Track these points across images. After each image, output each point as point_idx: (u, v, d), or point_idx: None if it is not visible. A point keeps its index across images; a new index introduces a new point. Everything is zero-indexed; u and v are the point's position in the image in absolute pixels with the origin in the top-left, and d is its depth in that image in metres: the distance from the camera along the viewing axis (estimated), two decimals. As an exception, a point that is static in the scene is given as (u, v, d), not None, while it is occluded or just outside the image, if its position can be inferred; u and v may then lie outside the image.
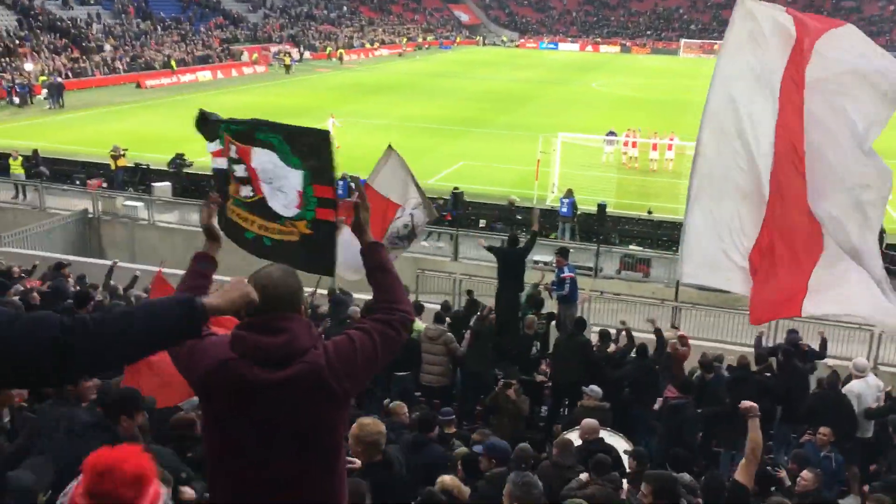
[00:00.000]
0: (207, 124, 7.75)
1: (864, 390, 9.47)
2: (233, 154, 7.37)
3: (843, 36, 7.06)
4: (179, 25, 62.06)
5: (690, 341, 10.91)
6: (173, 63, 52.49)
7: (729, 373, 10.00)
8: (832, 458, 8.09)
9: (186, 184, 24.65)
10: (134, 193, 23.50)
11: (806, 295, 7.09)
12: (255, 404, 2.66)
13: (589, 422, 7.59)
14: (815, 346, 11.32)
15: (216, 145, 7.75)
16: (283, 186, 7.08)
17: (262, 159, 7.14)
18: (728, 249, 7.63)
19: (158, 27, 59.81)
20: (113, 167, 24.52)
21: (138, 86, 47.95)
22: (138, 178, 24.85)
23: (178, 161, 24.64)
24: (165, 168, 24.87)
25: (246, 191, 7.28)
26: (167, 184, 23.78)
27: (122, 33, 55.73)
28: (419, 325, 10.92)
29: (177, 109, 40.98)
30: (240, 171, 7.31)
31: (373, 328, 2.89)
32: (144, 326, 2.28)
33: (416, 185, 10.14)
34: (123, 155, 24.69)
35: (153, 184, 23.48)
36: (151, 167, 25.27)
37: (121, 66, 50.26)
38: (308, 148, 7.16)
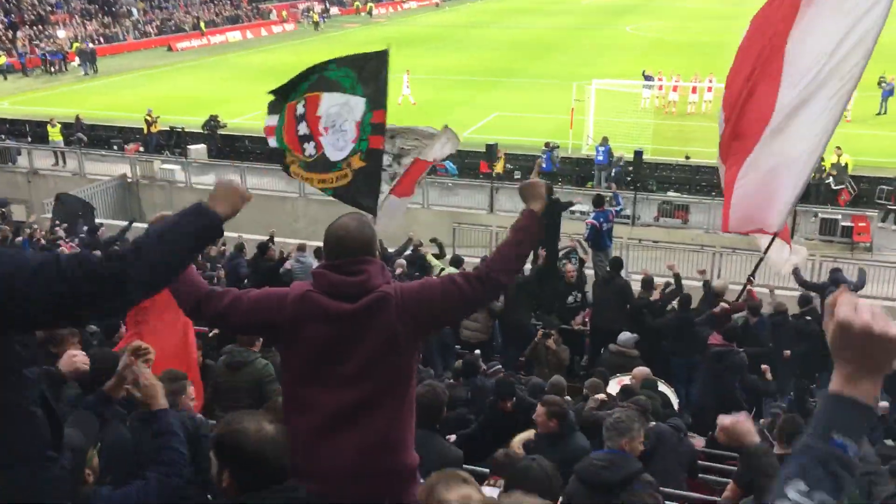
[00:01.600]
0: (275, 101, 8.38)
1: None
2: (299, 111, 7.96)
3: None
4: (207, -14, 61.81)
5: (732, 286, 10.83)
6: (202, 25, 52.48)
7: (768, 320, 9.89)
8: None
9: (221, 145, 24.80)
10: (171, 157, 23.74)
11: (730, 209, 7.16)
12: (331, 330, 2.93)
13: (641, 370, 7.66)
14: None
15: (273, 120, 8.42)
16: (345, 123, 7.83)
17: (329, 103, 7.94)
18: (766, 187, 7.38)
19: (186, -11, 59.65)
20: (146, 132, 24.75)
21: (169, 49, 48.10)
22: (174, 142, 25.08)
23: (213, 123, 24.76)
24: (200, 130, 25.02)
25: (309, 149, 7.96)
26: (202, 146, 23.97)
27: (150, -3, 55.76)
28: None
29: (208, 71, 41.12)
30: (302, 129, 7.98)
31: (455, 279, 3.03)
32: (178, 241, 2.36)
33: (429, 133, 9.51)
34: (156, 121, 24.89)
35: (189, 146, 23.67)
36: (186, 130, 25.45)
37: (151, 30, 50.44)
38: (370, 73, 7.80)
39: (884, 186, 19.55)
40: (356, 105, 7.77)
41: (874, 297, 11.50)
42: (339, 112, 7.83)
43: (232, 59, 45.24)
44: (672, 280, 10.90)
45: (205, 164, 22.97)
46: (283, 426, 2.63)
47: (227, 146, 24.87)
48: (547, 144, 21.44)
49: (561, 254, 12.38)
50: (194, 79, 38.73)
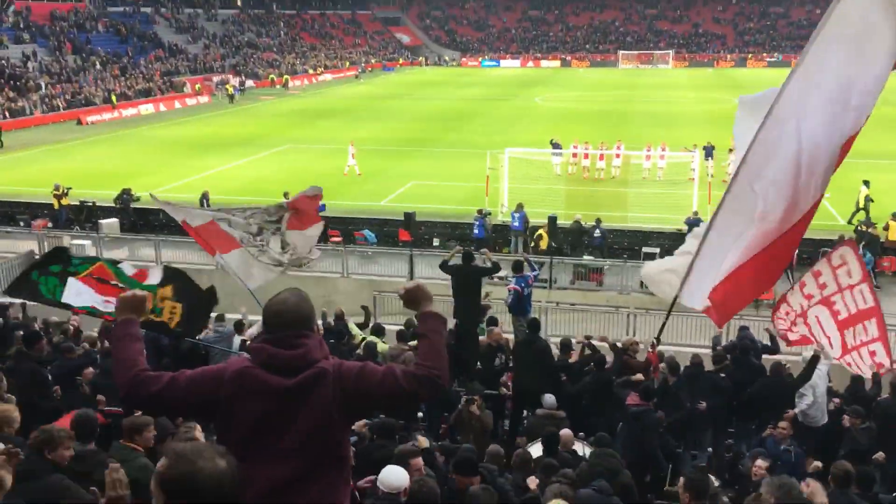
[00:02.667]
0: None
1: (818, 381, 9.78)
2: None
3: None
4: (118, 60, 61.31)
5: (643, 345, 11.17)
6: (114, 98, 51.79)
7: (683, 372, 10.24)
8: (792, 451, 8.32)
9: (135, 219, 24.32)
10: (81, 232, 23.11)
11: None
12: (268, 406, 2.96)
13: (566, 432, 7.80)
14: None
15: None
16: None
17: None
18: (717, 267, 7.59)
19: (97, 63, 58.98)
20: (56, 206, 24.09)
21: (79, 122, 47.22)
22: (84, 216, 24.46)
23: (126, 196, 24.30)
24: (112, 204, 24.50)
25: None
26: (114, 220, 23.45)
27: (59, 70, 54.80)
28: (382, 346, 10.95)
29: (120, 144, 40.48)
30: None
31: (395, 371, 3.08)
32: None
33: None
34: (66, 193, 24.29)
35: (100, 221, 23.12)
36: (97, 204, 24.88)
37: (60, 104, 49.42)
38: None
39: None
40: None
41: (784, 354, 12.02)
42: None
43: (145, 132, 44.70)
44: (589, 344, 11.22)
45: (117, 238, 22.44)
46: (233, 459, 2.54)
47: (140, 220, 24.39)
48: (479, 212, 21.77)
49: (485, 318, 12.54)
50: (105, 152, 38.03)
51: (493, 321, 12.49)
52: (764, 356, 11.49)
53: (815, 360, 9.35)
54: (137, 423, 6.06)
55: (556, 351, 11.30)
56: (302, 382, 2.97)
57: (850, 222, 22.12)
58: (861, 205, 22.84)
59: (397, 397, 3.07)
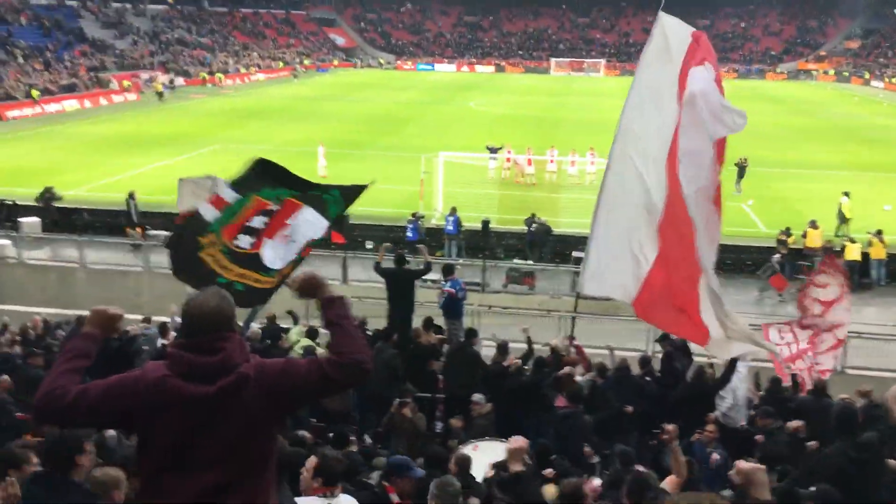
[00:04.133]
0: (244, 180, 7.87)
1: (737, 383, 10.10)
2: (272, 207, 7.68)
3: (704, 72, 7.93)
4: (42, 54, 59.24)
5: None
6: (34, 93, 49.97)
7: (611, 376, 10.44)
8: (719, 453, 8.54)
9: (58, 218, 23.54)
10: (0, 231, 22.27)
11: (708, 335, 8.02)
12: (189, 416, 2.86)
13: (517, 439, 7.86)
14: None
15: (230, 196, 7.79)
16: (303, 237, 7.75)
17: (304, 216, 7.76)
18: (628, 260, 8.35)
19: (19, 56, 56.88)
20: (-26, 205, 23.17)
21: (-1, 118, 45.50)
22: (4, 215, 23.56)
23: (48, 195, 23.51)
24: (34, 203, 23.66)
25: (244, 241, 7.61)
26: (36, 219, 22.65)
27: (-23, 63, 52.73)
28: (320, 350, 10.86)
29: (42, 141, 39.13)
30: (258, 222, 7.65)
31: (320, 362, 3.03)
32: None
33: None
34: (-15, 191, 23.39)
35: (21, 220, 22.30)
36: (18, 203, 23.99)
37: (-23, 98, 47.52)
38: (351, 199, 8.25)
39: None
40: (321, 226, 7.81)
41: (703, 356, 12.38)
42: (305, 227, 7.81)
43: (69, 129, 43.29)
44: (525, 345, 11.32)
45: (39, 238, 21.69)
46: None
47: (63, 219, 23.62)
48: (413, 215, 21.83)
49: (423, 321, 12.53)
50: (27, 149, 36.69)
51: (429, 323, 12.50)
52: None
53: (733, 362, 9.65)
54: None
55: (493, 353, 11.40)
56: (223, 389, 2.87)
57: (836, 235, 22.63)
58: (847, 216, 23.32)
59: (325, 387, 3.04)
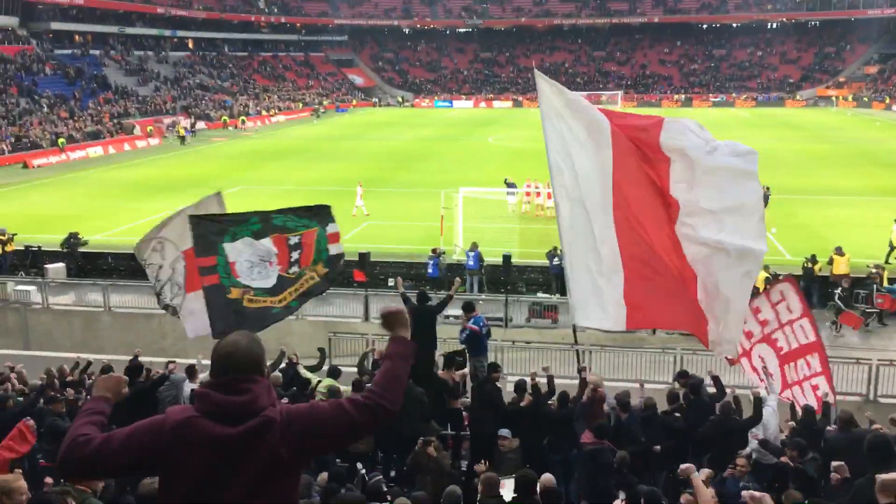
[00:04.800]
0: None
1: (770, 417, 9.89)
2: (295, 240, 9.67)
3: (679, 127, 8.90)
4: (66, 102, 60.50)
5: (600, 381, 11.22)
6: (61, 141, 50.94)
7: (639, 415, 10.25)
8: (751, 487, 8.34)
9: (82, 263, 23.81)
10: (25, 277, 22.52)
11: (708, 332, 8.73)
12: (213, 456, 2.85)
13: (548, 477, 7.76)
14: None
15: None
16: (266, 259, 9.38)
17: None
18: (599, 288, 8.96)
19: (44, 105, 58.13)
20: (0, 252, 23.47)
21: (25, 166, 46.29)
22: (30, 261, 23.86)
23: (72, 240, 23.80)
24: (59, 248, 23.96)
25: (261, 280, 9.49)
26: (61, 265, 22.92)
27: (4, 113, 53.85)
28: (345, 388, 10.80)
29: (67, 188, 39.77)
30: (295, 255, 9.70)
31: (344, 405, 3.00)
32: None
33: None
34: (11, 239, 23.70)
35: (46, 266, 22.58)
36: (43, 248, 24.31)
37: (5, 147, 48.46)
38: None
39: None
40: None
41: (733, 386, 12.17)
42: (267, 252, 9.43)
43: (93, 175, 44.02)
44: (541, 385, 11.14)
45: (63, 284, 21.92)
46: None
47: (88, 264, 23.90)
48: (434, 251, 21.83)
49: (444, 359, 12.46)
50: (52, 196, 37.32)
51: (451, 360, 12.42)
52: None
53: (758, 401, 9.51)
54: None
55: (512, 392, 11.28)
56: (247, 431, 2.86)
57: (887, 261, 22.26)
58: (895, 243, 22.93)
59: (351, 430, 3.01)
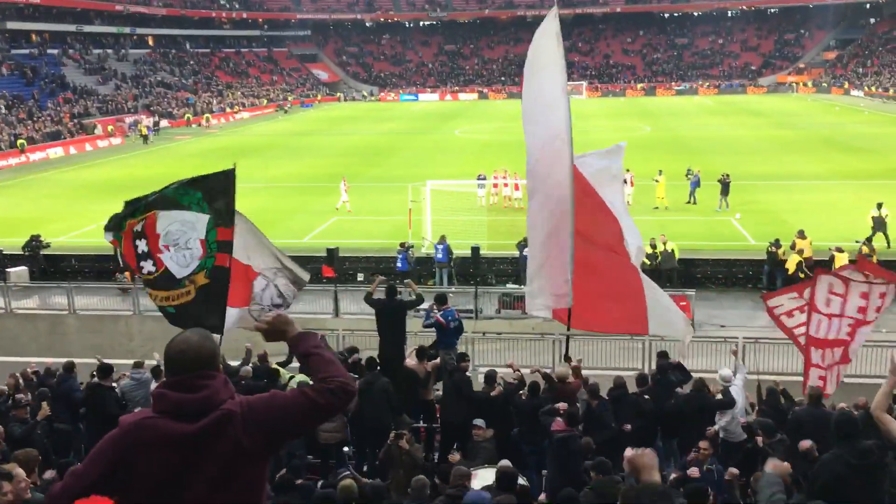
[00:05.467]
0: (113, 218, 8.82)
1: (736, 395, 10.07)
2: (137, 228, 8.30)
3: None
4: (24, 103, 59.34)
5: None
6: (20, 142, 49.97)
7: (608, 395, 10.37)
8: (714, 469, 8.48)
9: (45, 266, 23.42)
10: (-13, 281, 22.11)
11: (648, 318, 9.55)
12: (173, 454, 2.84)
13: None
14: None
15: (109, 236, 8.79)
16: (189, 241, 8.16)
17: (167, 221, 8.23)
18: (546, 279, 9.37)
19: (2, 106, 56.97)
20: (-40, 257, 23.02)
21: (-17, 168, 45.42)
22: (-9, 266, 23.41)
23: (34, 243, 23.40)
24: (20, 252, 23.54)
25: (148, 266, 8.15)
26: (23, 268, 22.53)
27: (-40, 115, 52.77)
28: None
29: (28, 190, 39.09)
30: (142, 245, 8.20)
31: (306, 390, 3.01)
32: None
33: (274, 251, 10.32)
34: (-28, 243, 23.26)
35: (8, 269, 22.18)
36: (4, 252, 23.87)
37: (-38, 150, 47.50)
38: (217, 191, 8.54)
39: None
40: (200, 224, 8.11)
41: (701, 371, 12.33)
42: (182, 229, 8.19)
43: (54, 177, 43.28)
44: (513, 379, 11.23)
45: (27, 287, 21.56)
46: None
47: (51, 266, 23.52)
48: (402, 245, 21.81)
49: (416, 350, 12.45)
50: (12, 199, 36.63)
51: (423, 351, 12.42)
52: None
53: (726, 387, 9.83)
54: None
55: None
56: (206, 427, 2.84)
57: (868, 241, 22.03)
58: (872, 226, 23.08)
59: (315, 414, 3.01)
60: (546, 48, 9.66)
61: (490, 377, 10.90)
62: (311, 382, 3.09)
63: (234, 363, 12.76)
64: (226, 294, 8.40)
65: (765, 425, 9.31)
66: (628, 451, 4.16)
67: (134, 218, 8.50)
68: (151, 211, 8.43)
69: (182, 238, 8.17)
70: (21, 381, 11.67)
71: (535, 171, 9.83)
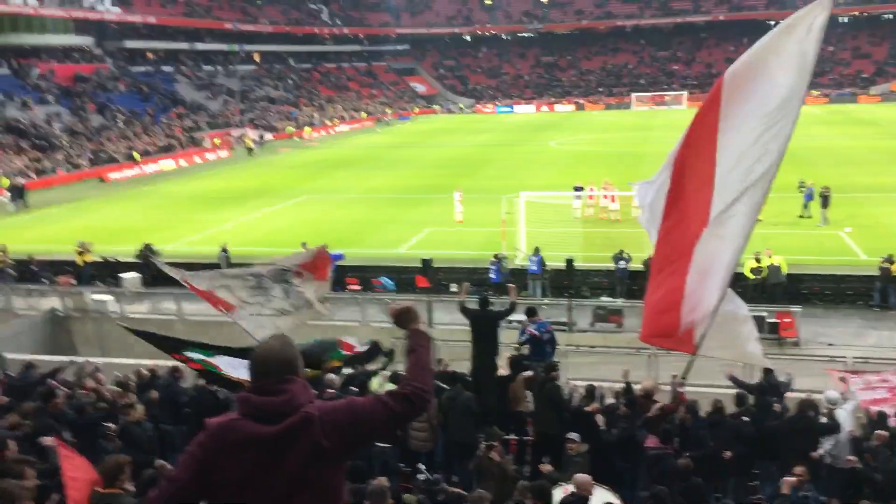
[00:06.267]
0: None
1: (844, 420, 9.63)
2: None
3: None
4: (140, 118, 62.58)
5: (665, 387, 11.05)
6: (135, 154, 52.74)
7: (707, 419, 10.07)
8: (809, 496, 8.13)
9: (156, 273, 24.54)
10: (102, 287, 23.35)
11: (695, 331, 7.57)
12: (255, 455, 2.99)
13: (582, 477, 7.64)
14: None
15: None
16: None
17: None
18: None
19: (119, 121, 60.24)
20: (80, 263, 24.39)
21: (101, 180, 48.02)
22: (107, 272, 24.73)
23: (147, 251, 24.59)
24: (134, 259, 24.78)
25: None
26: (136, 275, 23.68)
27: (82, 129, 56.01)
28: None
29: (142, 200, 41.11)
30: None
31: (382, 398, 3.18)
32: None
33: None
34: (89, 250, 24.61)
35: (122, 276, 23.36)
36: (119, 259, 25.17)
37: (83, 162, 50.41)
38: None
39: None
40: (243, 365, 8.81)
41: (800, 391, 11.84)
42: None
43: (166, 188, 45.39)
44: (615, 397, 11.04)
45: (139, 293, 22.66)
46: None
47: (162, 274, 24.59)
48: (495, 256, 21.89)
49: (509, 361, 12.44)
50: (128, 208, 38.63)
51: (516, 362, 12.39)
52: (788, 394, 11.35)
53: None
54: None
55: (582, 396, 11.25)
56: (287, 428, 3.00)
57: None
58: None
59: (391, 421, 3.15)
60: (803, 45, 7.71)
61: (590, 391, 10.78)
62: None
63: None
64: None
65: (875, 450, 8.89)
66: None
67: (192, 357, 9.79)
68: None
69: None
70: (132, 381, 12.27)
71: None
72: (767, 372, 11.83)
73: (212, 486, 3.06)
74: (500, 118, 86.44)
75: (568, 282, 21.54)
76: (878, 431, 9.37)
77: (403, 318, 3.46)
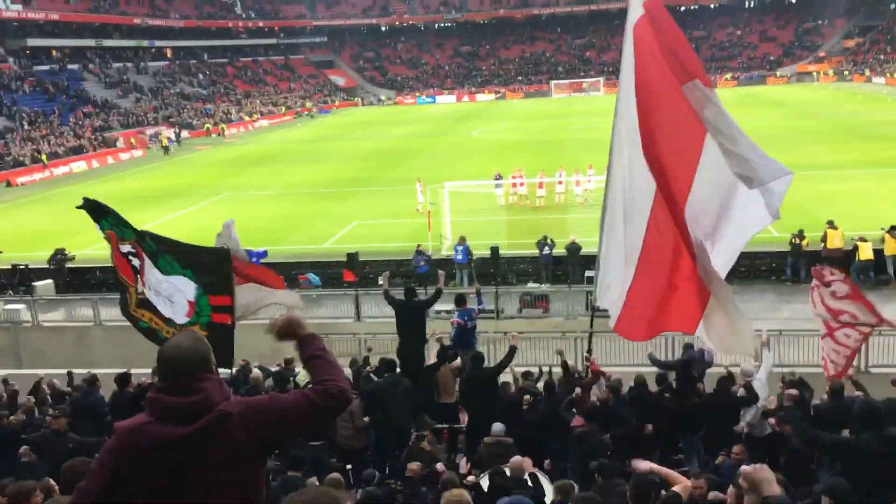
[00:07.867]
0: (92, 210, 8.82)
1: (759, 389, 9.93)
2: (125, 249, 8.33)
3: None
4: (47, 118, 60.14)
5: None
6: (44, 157, 50.65)
7: (628, 394, 10.27)
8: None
9: (70, 279, 23.69)
10: (14, 296, 22.41)
11: (701, 320, 7.85)
12: (169, 458, 2.84)
13: (516, 459, 7.71)
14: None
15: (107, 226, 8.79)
16: (173, 297, 8.11)
17: (151, 274, 8.25)
18: (620, 272, 8.52)
19: (25, 122, 57.76)
20: (-13, 272, 23.36)
21: (8, 184, 46.05)
22: (17, 280, 23.73)
23: (59, 256, 23.67)
24: (46, 265, 23.83)
25: (138, 285, 8.20)
26: (49, 282, 22.80)
27: (-15, 132, 53.58)
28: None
29: (52, 204, 39.56)
30: (134, 261, 8.21)
31: (306, 392, 3.04)
32: None
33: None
34: (-3, 258, 23.60)
35: (34, 283, 22.45)
36: (31, 266, 24.18)
37: (-13, 167, 48.24)
38: (203, 266, 8.62)
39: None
40: (186, 288, 8.33)
41: (723, 365, 12.20)
42: (167, 288, 8.41)
43: (77, 190, 43.70)
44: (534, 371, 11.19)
45: (53, 300, 21.81)
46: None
47: (76, 279, 23.78)
48: (418, 250, 21.76)
49: (437, 351, 12.44)
50: (37, 213, 37.14)
51: (443, 352, 12.40)
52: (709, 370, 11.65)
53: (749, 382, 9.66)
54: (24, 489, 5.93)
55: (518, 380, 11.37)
56: (201, 428, 2.84)
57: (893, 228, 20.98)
58: None
59: (313, 416, 3.02)
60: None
61: (527, 374, 10.90)
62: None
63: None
64: (231, 341, 8.81)
65: (790, 417, 9.20)
66: (745, 468, 3.96)
67: (124, 239, 8.68)
68: (142, 250, 8.68)
69: (164, 292, 8.48)
70: (47, 392, 11.81)
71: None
72: (687, 347, 12.16)
73: (125, 493, 2.91)
74: (422, 109, 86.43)
75: (494, 270, 21.66)
76: (788, 391, 9.72)
77: (286, 329, 3.26)
